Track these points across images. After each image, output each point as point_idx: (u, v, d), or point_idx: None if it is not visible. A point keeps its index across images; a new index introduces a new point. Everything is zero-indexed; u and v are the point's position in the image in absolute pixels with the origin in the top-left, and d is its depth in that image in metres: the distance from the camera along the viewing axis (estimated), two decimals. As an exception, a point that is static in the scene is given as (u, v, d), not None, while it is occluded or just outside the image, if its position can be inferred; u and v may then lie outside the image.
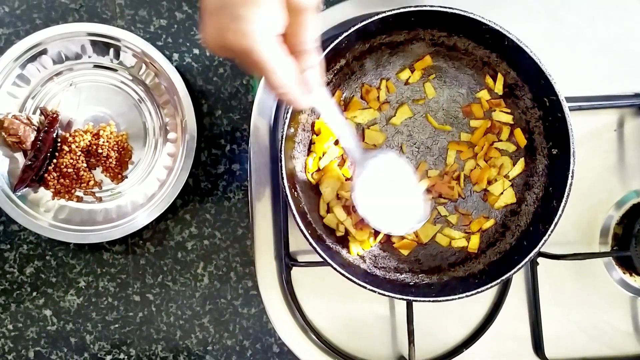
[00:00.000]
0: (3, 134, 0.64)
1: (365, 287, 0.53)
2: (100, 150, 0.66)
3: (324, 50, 0.53)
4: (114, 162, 0.67)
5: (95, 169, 0.68)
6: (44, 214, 0.65)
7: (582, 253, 0.61)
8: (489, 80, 0.59)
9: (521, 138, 0.59)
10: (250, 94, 0.68)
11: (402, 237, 0.60)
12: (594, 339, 0.64)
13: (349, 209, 0.59)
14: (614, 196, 0.64)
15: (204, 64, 0.68)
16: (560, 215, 0.54)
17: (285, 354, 0.69)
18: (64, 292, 0.68)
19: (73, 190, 0.67)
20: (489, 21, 0.53)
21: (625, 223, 0.64)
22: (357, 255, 0.59)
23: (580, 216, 0.64)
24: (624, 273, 0.64)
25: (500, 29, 0.53)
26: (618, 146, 0.64)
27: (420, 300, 0.54)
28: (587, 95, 0.63)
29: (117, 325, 0.68)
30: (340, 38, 0.52)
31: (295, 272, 0.62)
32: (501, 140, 0.60)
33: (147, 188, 0.67)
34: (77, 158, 0.66)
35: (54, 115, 0.65)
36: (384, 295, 0.53)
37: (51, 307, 0.68)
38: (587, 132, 0.64)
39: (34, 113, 0.67)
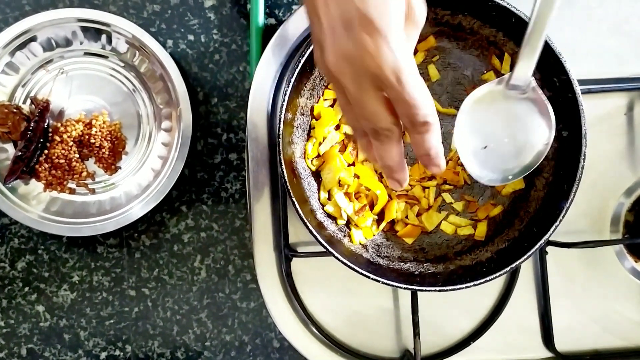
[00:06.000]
0: (-8, 124, 0.62)
1: (368, 277, 0.51)
2: (92, 140, 0.64)
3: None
4: (107, 153, 0.65)
5: (87, 160, 0.66)
6: (36, 206, 0.64)
7: (592, 241, 0.59)
8: (495, 60, 0.57)
9: (529, 121, 0.57)
10: (247, 81, 0.66)
11: (406, 224, 0.58)
12: (605, 330, 0.62)
13: (351, 196, 0.57)
14: (625, 182, 0.63)
15: (199, 50, 0.66)
16: (572, 200, 0.52)
17: (286, 349, 0.67)
18: (57, 287, 0.66)
19: (65, 182, 0.65)
20: (496, -2, 0.51)
21: (637, 210, 0.62)
22: (360, 244, 0.57)
23: (590, 204, 0.62)
24: (636, 262, 0.62)
25: (508, 6, 0.51)
26: (628, 130, 0.63)
27: (425, 290, 0.52)
28: (596, 78, 0.61)
29: (112, 321, 0.66)
30: (339, 16, 0.50)
31: (296, 263, 0.60)
32: (508, 124, 0.58)
33: (141, 179, 0.65)
34: (69, 148, 0.64)
35: (45, 104, 0.63)
36: (387, 284, 0.51)
37: (44, 302, 0.66)
38: (596, 116, 0.62)
39: (24, 102, 0.65)
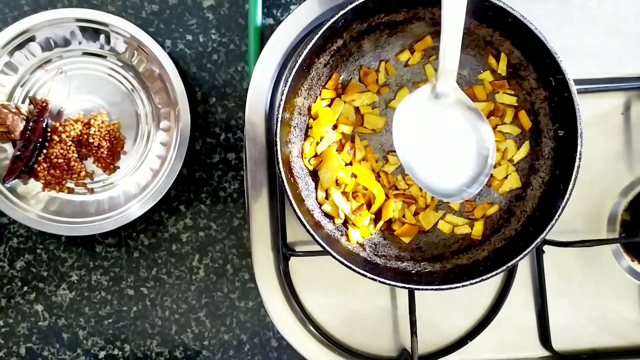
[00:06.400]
0: (-9, 123, 0.62)
1: (365, 276, 0.51)
2: (91, 140, 0.64)
3: (319, 29, 0.51)
4: (105, 152, 0.65)
5: (86, 160, 0.66)
6: (34, 206, 0.64)
7: (589, 240, 0.59)
8: (491, 60, 0.57)
9: (526, 120, 0.57)
10: (245, 80, 0.66)
11: (403, 223, 0.58)
12: (602, 329, 0.62)
13: (348, 195, 0.57)
14: (622, 182, 0.63)
15: (197, 50, 0.66)
16: (568, 199, 0.52)
17: (284, 348, 0.67)
18: (56, 286, 0.66)
19: (64, 182, 0.65)
20: (492, -2, 0.51)
21: (634, 209, 0.62)
22: (357, 243, 0.57)
23: (586, 203, 0.62)
24: (633, 261, 0.62)
25: (504, 6, 0.51)
26: (625, 130, 0.63)
27: (422, 289, 0.52)
28: (593, 78, 0.61)
29: (110, 320, 0.66)
30: (337, 16, 0.50)
31: (293, 263, 0.60)
32: (505, 123, 0.58)
33: (139, 178, 0.65)
34: (68, 148, 0.64)
35: (44, 104, 0.63)
36: (384, 283, 0.51)
37: (43, 302, 0.66)
38: (593, 116, 0.62)
39: (22, 102, 0.65)
